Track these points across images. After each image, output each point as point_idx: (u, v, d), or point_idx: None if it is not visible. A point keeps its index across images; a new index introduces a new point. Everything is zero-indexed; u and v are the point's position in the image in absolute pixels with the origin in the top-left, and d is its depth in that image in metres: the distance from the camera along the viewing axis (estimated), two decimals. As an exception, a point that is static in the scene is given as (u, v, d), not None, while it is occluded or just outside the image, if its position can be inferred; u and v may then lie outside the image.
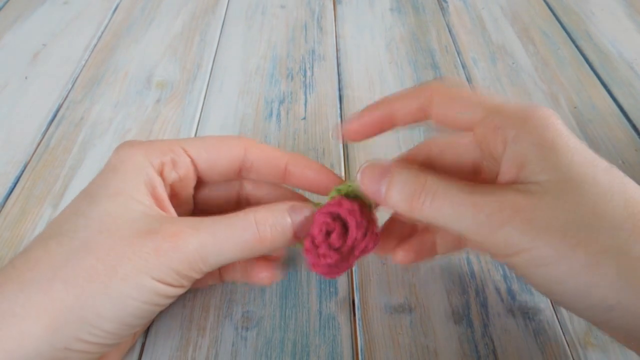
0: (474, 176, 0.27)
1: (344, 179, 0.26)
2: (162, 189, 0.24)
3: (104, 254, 0.21)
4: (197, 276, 0.23)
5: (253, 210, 0.23)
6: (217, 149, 0.26)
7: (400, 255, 0.28)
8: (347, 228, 0.25)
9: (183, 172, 0.25)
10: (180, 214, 0.27)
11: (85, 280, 0.20)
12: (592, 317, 0.21)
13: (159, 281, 0.21)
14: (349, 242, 0.24)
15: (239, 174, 0.27)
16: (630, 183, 0.21)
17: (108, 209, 0.22)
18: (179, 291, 0.23)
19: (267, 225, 0.23)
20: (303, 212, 0.24)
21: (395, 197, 0.23)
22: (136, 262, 0.21)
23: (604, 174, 0.21)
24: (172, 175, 0.25)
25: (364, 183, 0.24)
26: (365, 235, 0.24)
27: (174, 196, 0.26)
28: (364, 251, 0.25)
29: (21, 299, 0.20)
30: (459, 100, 0.25)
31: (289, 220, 0.24)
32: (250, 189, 0.29)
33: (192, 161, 0.26)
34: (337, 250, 0.24)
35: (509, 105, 0.24)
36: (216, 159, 0.26)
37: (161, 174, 0.24)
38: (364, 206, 0.25)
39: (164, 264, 0.21)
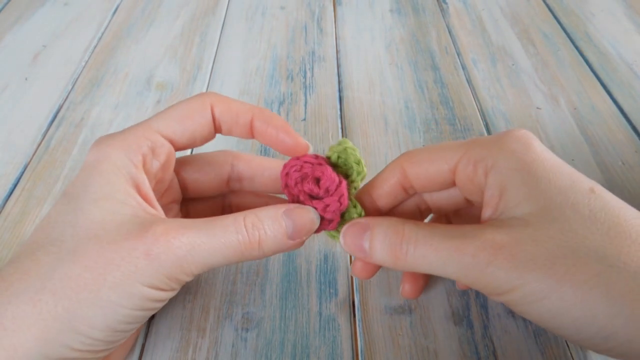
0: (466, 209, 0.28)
1: (308, 144, 0.26)
2: (146, 185, 0.23)
3: (92, 262, 0.20)
4: (188, 279, 0.22)
5: (245, 213, 0.23)
6: (188, 118, 0.25)
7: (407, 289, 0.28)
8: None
9: (164, 158, 0.25)
10: (167, 199, 0.27)
11: (74, 290, 0.20)
12: (594, 347, 0.21)
13: (149, 287, 0.21)
14: (322, 189, 0.24)
15: (215, 131, 0.26)
16: (613, 203, 0.21)
17: (95, 216, 0.21)
18: (170, 295, 0.22)
19: (257, 229, 0.22)
20: (298, 217, 0.24)
21: (379, 252, 0.23)
22: (125, 269, 0.20)
23: (584, 199, 0.21)
24: (154, 166, 0.24)
25: (347, 244, 0.24)
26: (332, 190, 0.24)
27: (157, 182, 0.25)
28: (334, 210, 0.24)
29: (10, 312, 0.20)
30: (429, 154, 0.25)
31: (281, 224, 0.23)
32: (242, 169, 0.28)
33: (170, 141, 0.25)
34: (312, 197, 0.25)
35: (483, 137, 0.24)
36: (191, 128, 0.25)
37: (144, 166, 0.24)
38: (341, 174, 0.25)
39: (154, 269, 0.20)
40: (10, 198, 0.35)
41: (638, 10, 0.55)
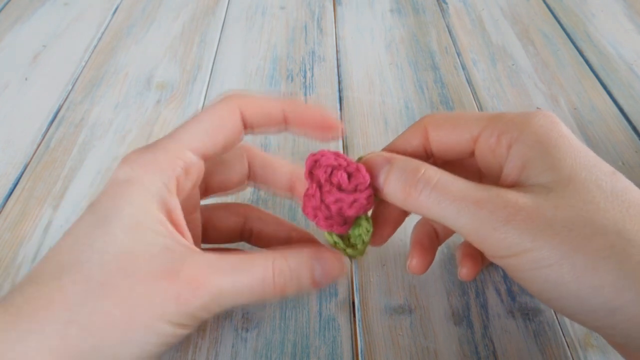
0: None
1: (342, 126, 0.26)
2: (178, 211, 0.23)
3: (122, 299, 0.20)
4: (209, 317, 0.22)
5: (274, 256, 0.23)
6: (218, 127, 0.24)
7: (465, 271, 0.28)
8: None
9: (195, 177, 0.24)
10: (188, 208, 0.26)
11: (103, 328, 0.20)
12: (593, 321, 0.21)
13: (175, 326, 0.21)
14: (352, 184, 0.24)
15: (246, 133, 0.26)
16: (633, 187, 0.21)
17: (126, 246, 0.21)
18: (190, 331, 0.22)
19: (284, 277, 0.22)
20: (328, 264, 0.23)
21: (392, 185, 0.23)
22: (155, 310, 0.20)
23: (607, 177, 0.21)
24: (187, 186, 0.24)
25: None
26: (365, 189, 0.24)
27: (185, 199, 0.25)
28: (359, 207, 0.24)
29: (35, 342, 0.19)
30: (453, 120, 0.25)
31: (310, 272, 0.23)
32: (258, 171, 0.28)
33: (202, 156, 0.24)
34: (339, 189, 0.24)
35: (508, 112, 0.24)
36: (221, 140, 0.24)
37: (177, 189, 0.23)
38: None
39: (182, 310, 0.21)
40: (10, 198, 0.35)
41: (638, 10, 0.55)
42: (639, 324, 0.19)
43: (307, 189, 0.24)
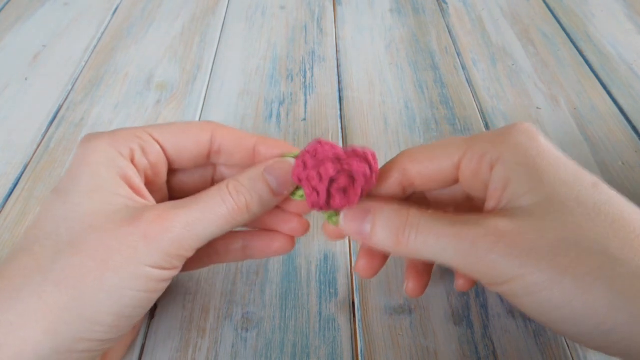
0: (467, 204, 0.27)
1: None
2: (137, 177, 0.24)
3: (92, 250, 0.20)
4: (189, 254, 0.22)
5: (227, 181, 0.23)
6: (184, 132, 0.25)
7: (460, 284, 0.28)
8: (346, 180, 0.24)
9: (153, 159, 0.25)
10: (157, 201, 0.26)
11: (77, 279, 0.20)
12: (593, 343, 0.21)
13: (151, 266, 0.21)
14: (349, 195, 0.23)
15: (208, 158, 0.26)
16: (616, 198, 0.21)
17: (87, 207, 0.21)
18: (173, 273, 0.23)
19: (242, 194, 0.23)
20: (279, 170, 0.24)
21: (381, 234, 0.23)
22: (125, 252, 0.21)
23: (588, 192, 0.21)
24: (143, 162, 0.24)
25: (347, 226, 0.24)
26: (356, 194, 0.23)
27: (148, 184, 0.25)
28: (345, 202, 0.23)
29: (15, 308, 0.20)
30: (431, 151, 0.25)
31: (265, 183, 0.24)
32: (224, 171, 0.28)
33: (160, 146, 0.25)
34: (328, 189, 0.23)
35: (487, 132, 0.24)
36: (184, 142, 0.25)
37: (132, 161, 0.24)
38: None
39: (154, 249, 0.21)
40: (10, 198, 0.35)
41: (638, 10, 0.55)
42: (634, 342, 0.19)
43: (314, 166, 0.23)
